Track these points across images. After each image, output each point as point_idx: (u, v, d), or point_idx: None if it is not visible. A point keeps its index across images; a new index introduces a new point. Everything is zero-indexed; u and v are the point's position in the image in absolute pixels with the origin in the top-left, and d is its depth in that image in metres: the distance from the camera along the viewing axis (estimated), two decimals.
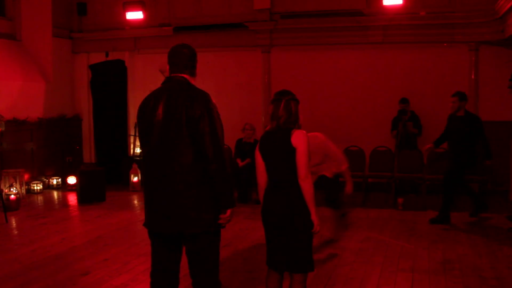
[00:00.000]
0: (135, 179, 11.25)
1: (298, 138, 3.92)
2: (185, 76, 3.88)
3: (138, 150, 12.15)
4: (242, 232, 7.62)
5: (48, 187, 11.61)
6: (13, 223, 8.57)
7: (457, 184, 8.13)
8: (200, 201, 3.72)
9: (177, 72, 3.89)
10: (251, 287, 5.40)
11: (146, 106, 3.85)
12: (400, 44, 10.74)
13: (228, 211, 3.76)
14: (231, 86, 11.67)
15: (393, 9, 10.46)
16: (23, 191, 10.54)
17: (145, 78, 11.94)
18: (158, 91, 3.88)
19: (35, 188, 11.14)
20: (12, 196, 9.45)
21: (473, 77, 10.39)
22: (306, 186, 3.90)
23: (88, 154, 12.96)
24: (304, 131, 3.98)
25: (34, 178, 11.35)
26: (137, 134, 4.08)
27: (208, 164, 3.67)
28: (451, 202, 8.13)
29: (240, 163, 9.95)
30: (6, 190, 9.55)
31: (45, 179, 11.61)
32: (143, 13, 11.83)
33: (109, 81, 12.76)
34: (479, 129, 8.06)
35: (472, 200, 8.44)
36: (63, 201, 10.51)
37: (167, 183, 3.72)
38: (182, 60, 3.90)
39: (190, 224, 3.71)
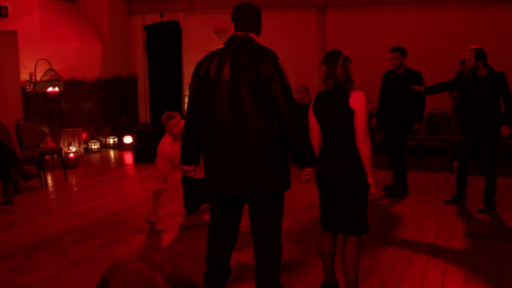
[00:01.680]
0: None
1: (357, 99, 3.81)
2: (251, 34, 3.77)
3: None
4: (294, 193, 7.61)
5: (105, 146, 11.91)
6: (72, 180, 8.86)
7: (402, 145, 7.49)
8: (270, 163, 3.69)
9: (244, 31, 3.76)
10: (303, 247, 5.43)
11: (210, 66, 3.71)
12: (461, 4, 10.32)
13: (310, 169, 3.77)
14: (284, 47, 11.44)
15: None
16: (81, 149, 10.85)
17: (199, 39, 11.92)
18: (222, 51, 3.74)
19: (93, 147, 11.45)
20: (71, 155, 9.75)
21: None
22: (365, 148, 3.82)
23: (144, 114, 13.16)
24: (363, 92, 3.87)
25: (92, 137, 11.65)
26: (189, 94, 3.88)
27: (285, 124, 3.62)
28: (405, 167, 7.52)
29: None
30: (65, 149, 9.86)
31: (102, 138, 11.90)
32: None
33: (164, 42, 12.80)
34: (421, 86, 7.43)
35: (395, 174, 7.61)
36: (120, 160, 10.78)
37: (237, 145, 3.65)
38: (250, 18, 3.77)
39: (261, 186, 3.69)
